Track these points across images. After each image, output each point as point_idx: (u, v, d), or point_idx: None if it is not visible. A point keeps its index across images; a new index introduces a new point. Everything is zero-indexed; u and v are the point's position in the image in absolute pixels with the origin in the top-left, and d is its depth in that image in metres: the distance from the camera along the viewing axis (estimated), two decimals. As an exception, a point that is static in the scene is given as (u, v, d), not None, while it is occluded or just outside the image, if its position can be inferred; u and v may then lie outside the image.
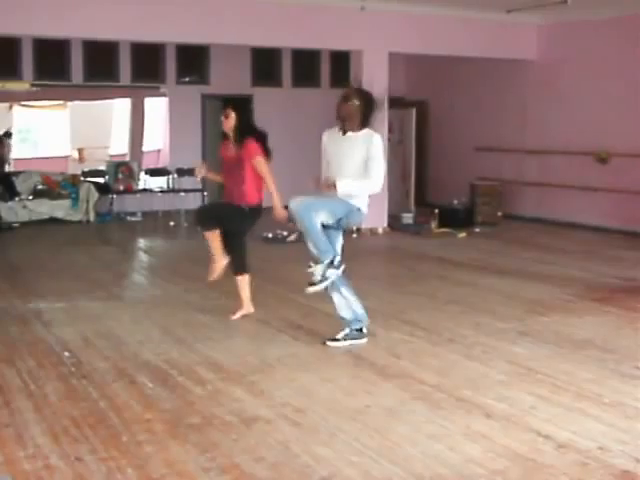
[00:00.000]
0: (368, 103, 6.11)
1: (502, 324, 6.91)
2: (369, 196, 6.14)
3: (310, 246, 6.00)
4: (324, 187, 5.99)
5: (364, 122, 6.08)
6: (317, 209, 5.89)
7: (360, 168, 5.97)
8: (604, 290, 8.36)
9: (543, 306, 7.60)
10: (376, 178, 5.99)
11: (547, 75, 13.63)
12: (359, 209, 6.07)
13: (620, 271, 9.39)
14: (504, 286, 8.53)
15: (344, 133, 6.10)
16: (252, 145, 6.83)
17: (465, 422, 4.61)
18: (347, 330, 6.25)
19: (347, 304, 6.24)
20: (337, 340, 6.22)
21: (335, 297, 6.23)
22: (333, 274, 6.01)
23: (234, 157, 6.92)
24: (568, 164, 13.26)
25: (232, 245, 7.03)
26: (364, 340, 6.28)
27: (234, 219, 6.92)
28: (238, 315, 7.05)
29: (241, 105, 7.10)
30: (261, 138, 6.92)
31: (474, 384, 5.31)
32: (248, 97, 14.47)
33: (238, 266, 7.06)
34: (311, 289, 6.01)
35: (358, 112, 6.04)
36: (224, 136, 7.10)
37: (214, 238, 6.99)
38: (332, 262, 5.98)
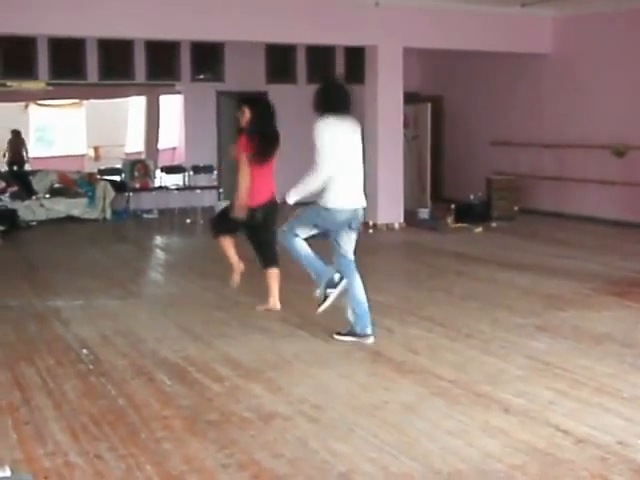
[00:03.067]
0: (323, 90, 6.19)
1: (520, 319, 6.89)
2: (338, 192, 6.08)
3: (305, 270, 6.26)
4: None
5: (319, 110, 6.11)
6: (292, 228, 6.21)
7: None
8: (623, 284, 8.31)
9: (561, 301, 7.57)
10: (313, 169, 6.03)
11: (562, 68, 13.56)
12: (326, 209, 6.07)
13: (639, 265, 9.33)
14: (522, 281, 8.49)
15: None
16: (240, 141, 6.93)
17: (483, 417, 4.60)
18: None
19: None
20: (340, 334, 6.24)
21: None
22: (334, 293, 6.15)
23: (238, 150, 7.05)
24: (585, 158, 13.18)
25: (255, 242, 7.12)
26: (366, 339, 6.22)
27: (247, 223, 6.97)
28: (262, 308, 7.12)
29: (257, 101, 7.11)
30: (262, 138, 6.92)
31: (492, 379, 5.29)
32: (263, 94, 14.49)
33: (265, 260, 7.12)
34: (320, 309, 6.20)
35: (315, 101, 6.14)
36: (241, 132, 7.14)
37: (227, 245, 7.18)
38: (332, 281, 6.13)
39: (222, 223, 7.27)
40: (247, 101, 7.09)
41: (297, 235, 6.20)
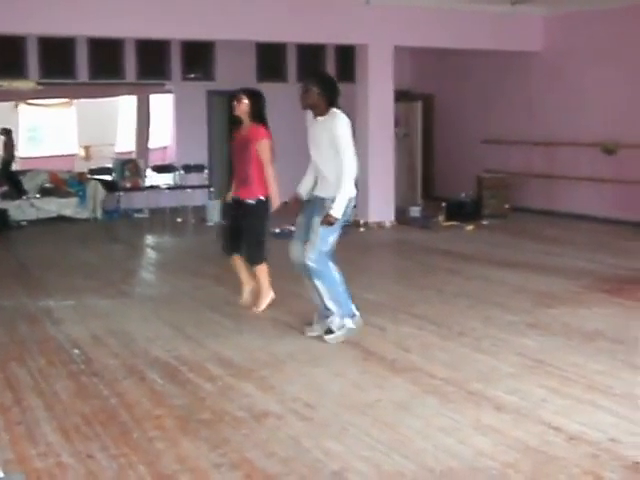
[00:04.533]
0: (327, 86, 6.11)
1: (511, 317, 6.90)
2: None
3: (327, 301, 6.12)
4: (330, 222, 5.97)
5: (329, 105, 6.07)
6: (321, 249, 6.00)
7: (330, 151, 5.99)
8: (613, 281, 8.33)
9: (552, 298, 7.59)
10: (347, 166, 5.94)
11: (553, 66, 13.58)
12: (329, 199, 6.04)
13: (629, 262, 9.37)
14: (513, 279, 8.51)
15: (315, 117, 6.16)
16: (262, 128, 6.83)
17: (475, 415, 4.61)
18: (336, 320, 6.19)
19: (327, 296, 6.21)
20: (332, 332, 6.18)
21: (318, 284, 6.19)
22: (350, 323, 6.15)
23: (243, 138, 6.92)
24: (576, 156, 13.21)
25: (245, 239, 7.01)
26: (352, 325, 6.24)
27: (243, 219, 6.94)
28: (263, 305, 7.06)
29: (254, 92, 7.06)
30: (269, 131, 6.90)
31: (484, 377, 5.30)
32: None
33: (253, 258, 7.03)
34: (330, 337, 6.14)
35: (320, 98, 6.05)
36: (235, 123, 7.05)
37: (239, 262, 7.10)
38: (351, 311, 6.17)
39: (229, 238, 7.13)
40: (247, 91, 6.99)
41: (330, 258, 6.14)
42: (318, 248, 6.01)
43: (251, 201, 6.87)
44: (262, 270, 7.07)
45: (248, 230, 6.97)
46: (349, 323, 6.18)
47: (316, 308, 6.33)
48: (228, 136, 15.44)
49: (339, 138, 5.94)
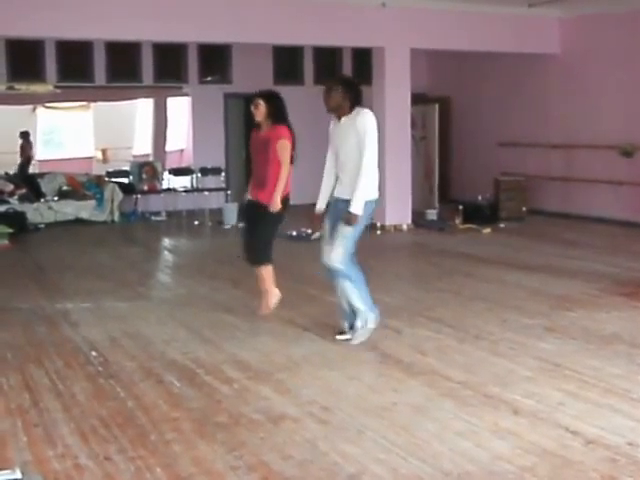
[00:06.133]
0: (349, 86, 6.12)
1: (529, 320, 6.87)
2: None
3: (355, 301, 6.10)
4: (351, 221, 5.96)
5: (353, 104, 6.06)
6: (345, 251, 5.99)
7: (357, 150, 5.96)
8: (631, 285, 8.29)
9: (570, 301, 7.55)
10: (366, 162, 5.92)
11: (570, 68, 13.54)
12: (370, 201, 6.05)
13: (647, 265, 9.32)
14: (530, 282, 8.48)
15: (339, 120, 6.14)
16: (283, 128, 6.74)
17: (493, 419, 4.59)
18: (358, 322, 6.18)
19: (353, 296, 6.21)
20: (355, 330, 6.18)
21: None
22: (372, 321, 6.17)
23: (262, 138, 6.80)
24: (593, 158, 13.16)
25: (254, 234, 6.90)
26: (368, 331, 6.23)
27: (260, 220, 6.88)
28: (270, 307, 6.96)
29: (269, 94, 6.98)
30: (292, 130, 6.82)
31: (501, 381, 5.28)
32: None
33: (258, 257, 6.91)
34: (356, 340, 6.14)
35: (344, 98, 6.04)
36: (256, 127, 6.95)
37: (268, 272, 6.94)
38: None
39: (257, 252, 6.97)
40: (263, 94, 6.89)
41: (353, 260, 6.15)
42: (343, 249, 6.01)
43: (267, 203, 6.78)
44: (267, 271, 6.95)
45: (258, 229, 6.87)
46: (371, 321, 6.17)
47: (343, 315, 6.33)
48: (245, 139, 15.53)
49: (364, 134, 5.92)
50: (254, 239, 6.92)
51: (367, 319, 6.16)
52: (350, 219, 5.92)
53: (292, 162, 6.82)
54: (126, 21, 10.72)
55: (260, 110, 6.77)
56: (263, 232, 6.88)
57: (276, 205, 6.70)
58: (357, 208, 5.91)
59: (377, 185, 6.13)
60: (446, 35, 12.66)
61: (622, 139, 12.54)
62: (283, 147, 6.71)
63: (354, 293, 6.11)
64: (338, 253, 6.01)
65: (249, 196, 7.02)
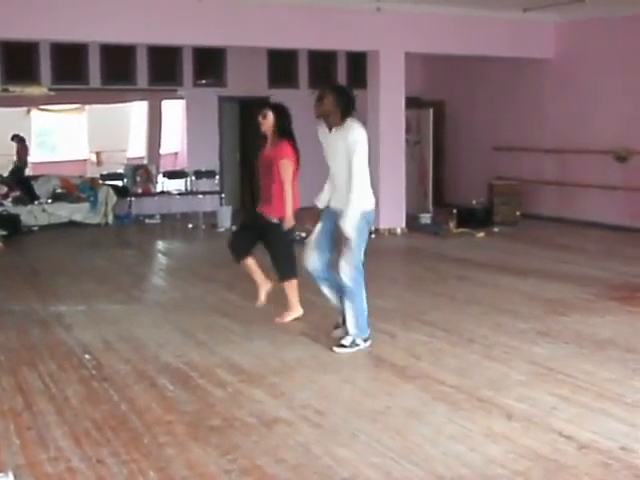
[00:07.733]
0: (341, 94, 6.06)
1: (522, 324, 6.88)
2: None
3: (349, 321, 6.06)
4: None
5: (344, 114, 6.00)
6: (357, 263, 5.99)
7: (346, 162, 5.93)
8: (625, 289, 8.30)
9: (563, 306, 7.57)
10: (356, 180, 5.89)
11: (564, 73, 13.57)
12: (367, 211, 6.05)
13: (641, 270, 9.34)
14: (524, 286, 8.49)
15: (330, 130, 6.10)
16: (286, 147, 6.75)
17: (486, 423, 4.60)
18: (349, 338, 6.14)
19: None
20: (344, 346, 6.11)
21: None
22: (363, 345, 6.11)
23: (268, 157, 6.84)
24: (587, 163, 13.19)
25: (272, 252, 6.96)
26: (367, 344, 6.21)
27: (267, 236, 6.89)
28: (289, 318, 6.97)
29: (279, 107, 7.00)
30: (296, 145, 6.83)
31: (495, 385, 5.29)
32: (265, 99, 14.50)
33: (282, 272, 6.95)
34: (341, 352, 6.06)
35: (336, 106, 5.99)
36: (263, 138, 6.97)
37: (252, 265, 7.02)
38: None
39: (239, 244, 7.06)
40: (272, 106, 6.95)
41: (361, 271, 6.11)
42: (354, 262, 5.98)
43: (275, 220, 6.80)
44: (292, 286, 6.98)
45: (277, 246, 6.90)
46: (362, 345, 6.12)
47: (338, 310, 6.34)
48: (240, 142, 15.55)
49: (352, 146, 5.87)
50: (275, 257, 6.97)
51: (354, 341, 6.11)
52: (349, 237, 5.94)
53: (294, 179, 6.84)
54: (121, 24, 10.72)
55: (268, 121, 6.79)
56: (280, 247, 6.92)
57: (289, 222, 6.76)
58: (348, 225, 5.89)
59: (371, 194, 6.08)
60: (441, 39, 12.69)
61: (616, 144, 12.57)
62: (285, 168, 6.73)
63: (352, 318, 6.04)
64: (349, 266, 5.97)
65: (258, 210, 7.07)
